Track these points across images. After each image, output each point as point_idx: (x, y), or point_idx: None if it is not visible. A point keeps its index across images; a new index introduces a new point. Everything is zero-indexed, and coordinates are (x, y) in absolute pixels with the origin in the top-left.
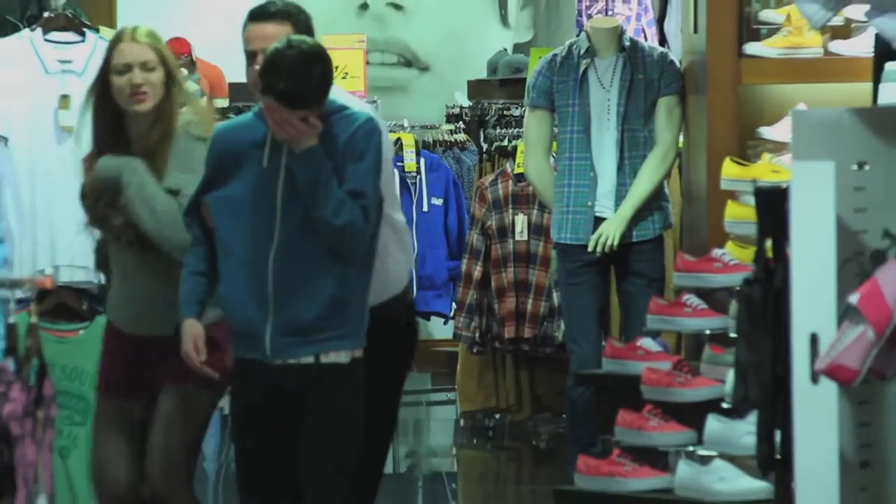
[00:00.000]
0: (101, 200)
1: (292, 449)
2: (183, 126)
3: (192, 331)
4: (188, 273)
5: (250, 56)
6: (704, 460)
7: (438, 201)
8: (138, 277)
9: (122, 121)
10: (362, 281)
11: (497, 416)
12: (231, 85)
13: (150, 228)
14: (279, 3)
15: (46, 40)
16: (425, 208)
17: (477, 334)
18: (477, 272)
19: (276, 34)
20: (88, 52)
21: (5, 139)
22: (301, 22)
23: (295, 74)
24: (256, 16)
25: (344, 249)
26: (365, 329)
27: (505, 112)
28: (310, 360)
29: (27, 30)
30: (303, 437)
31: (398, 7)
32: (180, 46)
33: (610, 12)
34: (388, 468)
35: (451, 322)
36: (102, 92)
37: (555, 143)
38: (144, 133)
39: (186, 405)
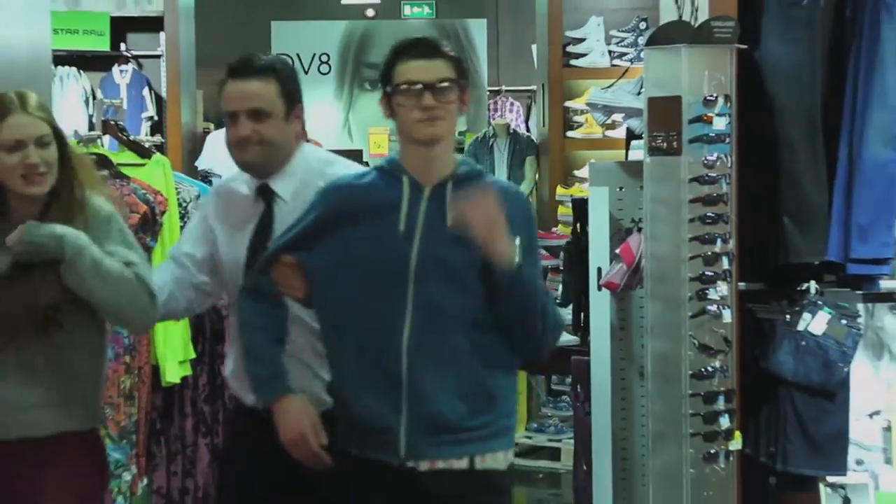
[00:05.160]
0: (29, 274)
1: None
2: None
3: (303, 409)
4: (268, 340)
5: (232, 117)
6: None
7: None
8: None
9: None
10: (513, 366)
11: None
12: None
13: (103, 298)
14: (262, 57)
15: None
16: None
17: None
18: None
19: (259, 92)
20: None
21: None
22: (286, 77)
23: None
24: (237, 72)
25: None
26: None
27: None
28: (463, 464)
29: None
30: None
31: None
32: None
33: (502, 116)
34: None
35: None
36: None
37: None
38: (34, 217)
39: None
